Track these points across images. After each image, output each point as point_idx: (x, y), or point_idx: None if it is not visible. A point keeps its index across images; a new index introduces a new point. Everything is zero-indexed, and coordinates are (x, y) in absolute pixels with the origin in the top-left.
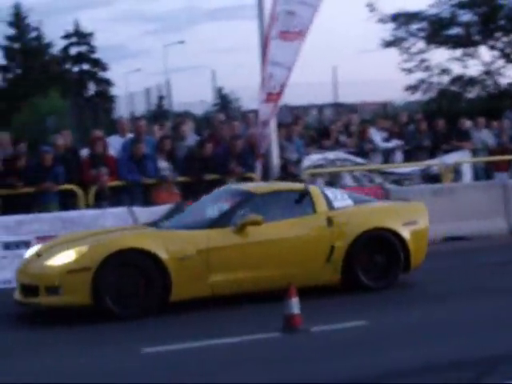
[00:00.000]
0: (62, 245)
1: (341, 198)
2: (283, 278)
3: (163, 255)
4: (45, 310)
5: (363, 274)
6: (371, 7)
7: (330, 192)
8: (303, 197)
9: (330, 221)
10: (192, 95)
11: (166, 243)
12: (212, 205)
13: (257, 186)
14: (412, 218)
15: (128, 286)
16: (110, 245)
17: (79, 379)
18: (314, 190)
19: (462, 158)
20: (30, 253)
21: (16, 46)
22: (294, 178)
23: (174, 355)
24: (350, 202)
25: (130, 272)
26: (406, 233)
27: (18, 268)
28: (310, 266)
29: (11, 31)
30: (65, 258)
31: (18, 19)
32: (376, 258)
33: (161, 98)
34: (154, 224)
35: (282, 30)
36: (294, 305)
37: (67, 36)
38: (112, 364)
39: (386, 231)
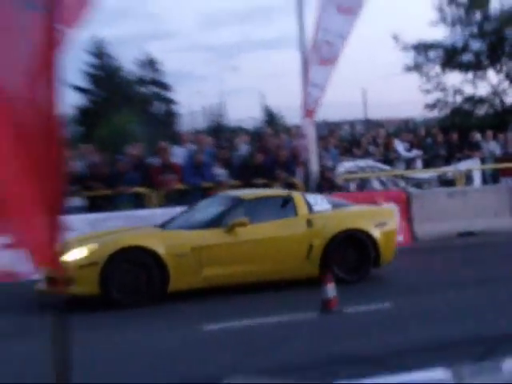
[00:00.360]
0: (79, 242)
1: (321, 203)
2: (267, 273)
3: (162, 252)
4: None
5: (338, 269)
6: (396, 38)
7: (312, 198)
8: (287, 202)
9: (309, 222)
10: (243, 113)
11: (166, 242)
12: (208, 209)
13: (245, 192)
14: (382, 220)
15: (131, 278)
16: (115, 243)
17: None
18: (296, 196)
19: (472, 165)
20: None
21: (97, 72)
22: (331, 182)
23: (232, 332)
24: (328, 206)
25: (133, 266)
26: (376, 233)
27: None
28: (292, 262)
29: (93, 60)
30: (78, 253)
31: (98, 49)
32: (350, 254)
33: (217, 115)
34: (162, 225)
35: (320, 57)
36: (330, 290)
37: (139, 63)
38: (175, 340)
39: (358, 231)
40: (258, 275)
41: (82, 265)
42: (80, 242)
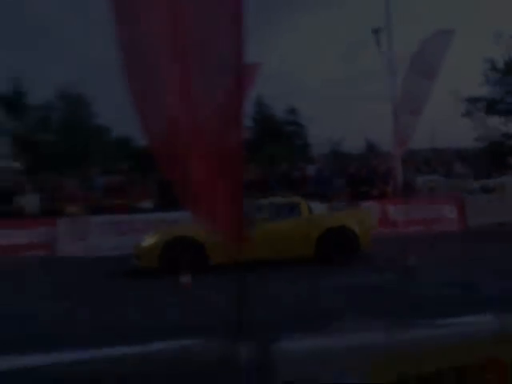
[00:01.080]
0: (154, 233)
1: (319, 208)
2: (278, 254)
3: (202, 240)
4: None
5: (329, 254)
6: (454, 93)
7: (313, 204)
8: (294, 207)
9: (309, 220)
10: (353, 143)
11: (206, 232)
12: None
13: (267, 200)
14: (361, 219)
15: (180, 257)
16: (170, 233)
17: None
18: (301, 202)
19: (507, 179)
20: (145, 237)
21: (255, 116)
22: (411, 190)
23: (341, 287)
24: (324, 209)
25: (183, 249)
26: (356, 228)
27: (134, 244)
28: (296, 247)
29: (253, 107)
30: (148, 240)
31: (256, 100)
32: (337, 243)
33: (336, 144)
34: None
35: (408, 108)
36: (410, 261)
37: (284, 111)
38: (302, 292)
39: (343, 227)
40: (270, 256)
41: (148, 247)
42: (153, 234)
